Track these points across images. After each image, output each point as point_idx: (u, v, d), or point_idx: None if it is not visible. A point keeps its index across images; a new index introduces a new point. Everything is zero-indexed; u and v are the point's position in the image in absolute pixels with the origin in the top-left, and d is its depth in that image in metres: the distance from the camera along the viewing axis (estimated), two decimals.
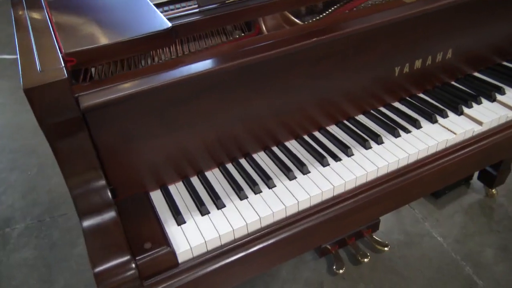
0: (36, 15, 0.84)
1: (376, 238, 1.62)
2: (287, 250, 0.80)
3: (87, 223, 0.71)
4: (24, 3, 0.91)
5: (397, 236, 1.69)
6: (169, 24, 0.77)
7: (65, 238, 1.79)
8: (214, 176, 0.87)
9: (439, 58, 0.99)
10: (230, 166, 0.88)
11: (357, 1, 1.03)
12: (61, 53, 0.71)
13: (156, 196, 0.83)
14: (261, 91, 0.82)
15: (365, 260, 1.56)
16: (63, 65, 0.67)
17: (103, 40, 0.74)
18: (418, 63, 0.98)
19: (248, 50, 0.75)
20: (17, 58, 0.72)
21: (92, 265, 0.65)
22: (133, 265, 0.66)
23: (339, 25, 0.82)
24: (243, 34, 1.00)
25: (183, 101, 0.76)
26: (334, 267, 1.55)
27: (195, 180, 0.86)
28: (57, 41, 0.74)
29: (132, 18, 0.82)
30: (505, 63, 1.14)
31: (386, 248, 1.60)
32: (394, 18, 0.85)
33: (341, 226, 0.83)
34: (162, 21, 0.78)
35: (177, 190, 0.84)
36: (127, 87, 0.68)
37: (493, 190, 1.81)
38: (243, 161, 0.89)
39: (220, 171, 0.88)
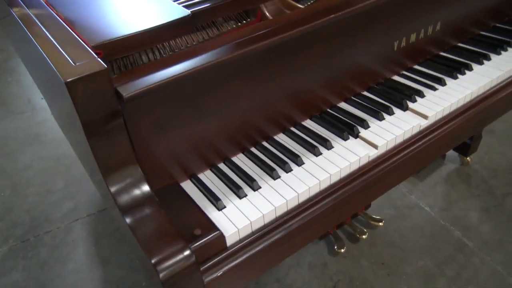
0: (40, 13, 0.81)
1: (370, 215, 1.68)
2: (325, 222, 0.82)
3: (131, 218, 0.69)
4: (22, 3, 0.87)
5: (388, 211, 1.76)
6: (188, 11, 0.77)
7: (54, 255, 1.71)
8: (241, 160, 0.87)
9: (430, 30, 1.06)
10: (254, 150, 0.89)
11: None
12: (87, 46, 0.69)
13: (188, 186, 0.82)
14: (282, 71, 0.84)
15: (363, 236, 1.62)
16: (96, 57, 0.65)
17: (125, 31, 0.73)
18: (413, 37, 1.04)
19: (273, 31, 0.76)
20: (40, 54, 0.69)
21: (150, 257, 0.64)
22: (190, 251, 0.66)
23: (349, 2, 0.85)
24: (244, 22, 1.01)
25: (212, 86, 0.76)
26: (335, 247, 1.59)
27: (223, 167, 0.86)
28: (77, 35, 0.72)
29: (146, 9, 0.81)
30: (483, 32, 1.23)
31: (380, 223, 1.67)
32: None
33: (371, 194, 0.87)
34: (179, 9, 0.78)
35: (208, 178, 0.84)
36: (166, 74, 0.67)
37: (467, 158, 1.92)
38: (266, 144, 0.90)
39: (245, 155, 0.88)
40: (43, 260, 1.69)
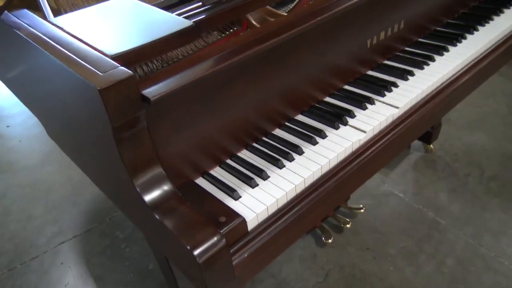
0: (50, 32, 0.86)
1: (351, 206, 1.80)
2: (330, 201, 0.91)
3: (161, 213, 0.75)
4: (24, 23, 0.91)
5: (367, 201, 1.88)
6: (191, 22, 0.85)
7: (45, 280, 1.70)
8: (246, 156, 0.95)
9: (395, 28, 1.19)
10: (257, 145, 0.97)
11: None
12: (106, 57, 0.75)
13: (203, 182, 0.89)
14: (276, 71, 0.93)
15: (347, 226, 1.73)
16: (120, 65, 0.71)
17: (137, 42, 0.79)
18: (382, 35, 1.16)
19: (273, 33, 0.86)
20: (62, 70, 0.74)
21: (187, 244, 0.70)
22: (221, 235, 0.72)
23: (329, 6, 0.96)
24: (231, 31, 1.10)
25: (219, 87, 0.84)
26: (323, 238, 1.69)
27: (231, 162, 0.93)
28: (93, 49, 0.77)
29: (149, 21, 0.88)
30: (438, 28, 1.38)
31: (362, 210, 1.79)
32: None
33: (364, 174, 0.97)
34: (182, 20, 0.86)
35: (219, 173, 0.91)
36: (186, 77, 0.74)
37: (430, 146, 2.09)
38: (266, 139, 0.98)
39: (249, 150, 0.96)
40: (34, 286, 1.67)
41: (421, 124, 1.08)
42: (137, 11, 0.94)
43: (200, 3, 0.97)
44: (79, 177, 2.20)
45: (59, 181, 2.19)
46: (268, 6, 1.10)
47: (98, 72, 0.70)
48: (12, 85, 1.25)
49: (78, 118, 0.84)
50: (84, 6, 1.15)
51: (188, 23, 0.84)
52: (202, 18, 0.91)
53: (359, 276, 1.59)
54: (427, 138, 2.06)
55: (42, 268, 1.75)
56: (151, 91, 0.72)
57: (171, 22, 0.86)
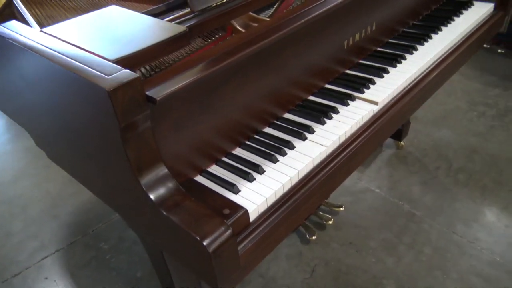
0: (47, 40, 0.88)
1: (331, 203, 1.87)
2: (321, 192, 0.97)
3: (168, 209, 0.78)
4: (18, 33, 0.93)
5: (345, 198, 1.96)
6: (185, 27, 0.89)
7: None
8: (240, 153, 0.99)
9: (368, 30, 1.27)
10: (249, 142, 1.02)
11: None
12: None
13: (202, 179, 0.93)
14: (265, 72, 0.99)
15: (330, 222, 1.79)
16: (122, 68, 0.74)
17: (136, 46, 0.83)
18: (357, 36, 1.24)
19: (263, 34, 0.91)
20: (64, 73, 0.77)
21: (196, 235, 0.74)
22: (228, 225, 0.76)
23: (310, 10, 1.03)
24: (217, 36, 1.15)
25: (217, 87, 0.89)
26: (307, 235, 1.75)
27: (227, 160, 0.97)
28: (93, 54, 0.80)
29: (144, 28, 0.91)
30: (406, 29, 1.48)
31: (341, 208, 1.86)
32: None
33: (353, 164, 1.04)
34: (176, 26, 0.90)
35: (217, 171, 0.95)
36: (188, 76, 0.78)
37: (401, 143, 2.20)
38: (258, 136, 1.03)
39: (242, 148, 1.01)
40: None
41: (398, 117, 1.16)
42: (128, 19, 0.97)
43: (185, 11, 1.01)
44: (58, 190, 2.17)
45: (37, 195, 2.16)
46: (250, 12, 1.16)
47: (104, 75, 0.73)
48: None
49: (79, 123, 0.86)
50: (62, 18, 1.17)
51: (182, 28, 0.88)
52: (194, 23, 0.95)
53: (344, 270, 1.66)
54: (398, 135, 2.17)
55: (25, 284, 1.71)
56: (156, 92, 0.75)
57: (166, 27, 0.90)
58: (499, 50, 2.89)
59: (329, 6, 1.05)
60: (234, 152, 1.00)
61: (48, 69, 0.83)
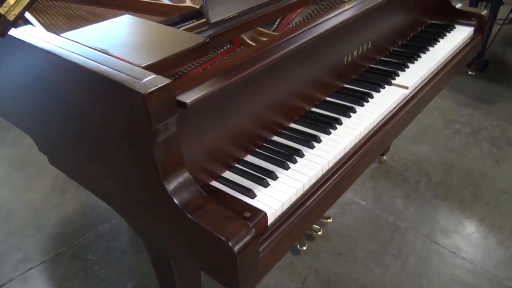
0: (66, 44, 0.89)
1: None
2: (330, 197, 1.01)
3: (192, 211, 0.80)
4: (38, 38, 0.93)
5: (332, 210, 2.02)
6: (206, 37, 0.93)
7: None
8: (252, 160, 1.03)
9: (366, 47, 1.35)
10: (260, 150, 1.05)
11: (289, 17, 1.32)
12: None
13: (218, 184, 0.95)
14: (276, 82, 1.04)
15: (319, 233, 1.84)
16: (153, 74, 0.77)
17: (161, 53, 0.86)
18: (355, 53, 1.31)
19: (283, 45, 0.96)
20: (97, 78, 0.79)
21: (222, 236, 0.76)
22: (251, 226, 0.79)
23: (323, 23, 1.09)
24: (225, 48, 1.19)
25: (235, 95, 0.93)
26: (298, 246, 1.78)
27: (240, 166, 1.01)
28: (123, 60, 0.83)
29: (164, 37, 0.94)
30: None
31: (329, 220, 1.91)
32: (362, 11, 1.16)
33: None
34: (196, 35, 0.94)
35: (231, 177, 0.98)
36: (215, 83, 0.82)
37: (383, 157, 2.29)
38: (267, 145, 1.07)
39: (254, 155, 1.04)
40: None
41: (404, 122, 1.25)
42: (146, 28, 1.00)
43: (195, 23, 1.06)
44: (41, 200, 2.12)
45: (18, 206, 2.10)
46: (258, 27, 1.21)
47: (138, 80, 0.75)
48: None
49: (102, 127, 0.87)
50: (68, 27, 1.19)
51: (203, 38, 0.92)
52: (212, 34, 0.99)
53: (334, 279, 1.70)
54: None
55: None
56: (185, 96, 0.78)
57: (186, 37, 0.94)
58: (469, 72, 3.07)
59: (338, 22, 1.12)
60: (246, 158, 1.03)
61: (72, 74, 0.85)
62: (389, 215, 1.99)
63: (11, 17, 0.94)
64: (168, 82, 0.74)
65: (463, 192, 2.10)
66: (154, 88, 0.72)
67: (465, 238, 1.85)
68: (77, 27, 1.18)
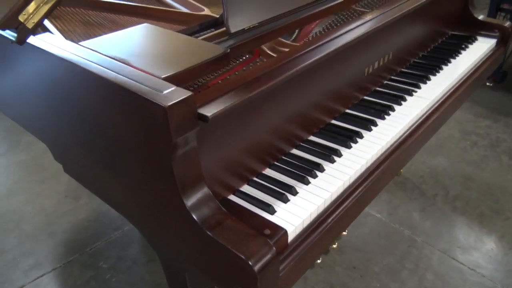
0: (87, 54, 0.88)
1: None
2: (352, 213, 0.98)
3: (211, 228, 0.77)
4: (58, 47, 0.92)
5: None
6: (227, 48, 0.91)
7: None
8: (270, 174, 1.00)
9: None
10: (279, 163, 1.03)
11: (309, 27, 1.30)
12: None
13: (236, 199, 0.93)
14: (298, 93, 1.01)
15: (334, 246, 1.79)
16: (174, 86, 0.75)
17: (182, 64, 0.84)
18: (376, 64, 1.28)
19: (301, 58, 0.94)
20: (116, 89, 0.77)
21: (242, 254, 0.73)
22: (272, 245, 0.76)
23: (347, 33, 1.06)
24: (244, 58, 1.16)
25: (255, 107, 0.90)
26: None
27: (259, 180, 0.98)
28: (140, 70, 0.81)
29: (184, 47, 0.92)
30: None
31: (345, 232, 1.87)
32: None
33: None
34: (218, 46, 0.92)
35: (249, 191, 0.95)
36: (236, 96, 0.79)
37: (400, 170, 2.24)
38: (286, 158, 1.05)
39: (272, 169, 1.01)
40: None
41: (416, 145, 1.21)
42: (166, 37, 0.98)
43: (213, 33, 1.04)
44: (53, 206, 2.12)
45: (31, 211, 2.09)
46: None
47: (158, 92, 0.73)
48: (14, 113, 1.23)
49: (121, 139, 0.85)
50: (87, 34, 1.18)
51: (224, 48, 0.90)
52: (232, 44, 0.97)
53: None
54: None
55: None
56: (206, 109, 0.76)
57: (207, 47, 0.92)
58: (487, 84, 3.01)
59: (360, 33, 1.09)
60: (264, 172, 1.01)
61: (90, 84, 0.83)
62: (405, 228, 1.95)
63: (30, 25, 0.93)
64: (189, 94, 0.72)
65: (482, 207, 2.04)
66: (175, 101, 0.70)
67: (485, 255, 1.80)
68: (94, 34, 1.18)
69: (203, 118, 0.75)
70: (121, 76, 0.78)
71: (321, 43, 1.04)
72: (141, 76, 0.79)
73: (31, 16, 0.92)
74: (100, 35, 1.00)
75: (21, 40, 0.93)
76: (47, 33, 1.01)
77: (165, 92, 0.73)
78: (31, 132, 1.24)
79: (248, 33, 1.05)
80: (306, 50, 0.99)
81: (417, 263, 1.78)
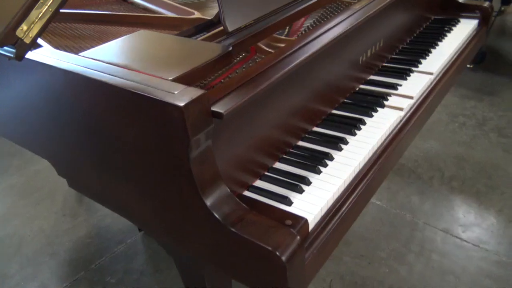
0: (89, 64, 0.87)
1: None
2: (365, 197, 1.00)
3: (233, 224, 0.77)
4: (58, 59, 0.91)
5: None
6: (230, 46, 0.91)
7: None
8: (281, 167, 1.01)
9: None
10: (287, 157, 1.03)
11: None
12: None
13: (251, 195, 0.93)
14: (302, 85, 1.02)
15: None
16: (185, 86, 0.75)
17: (187, 65, 0.84)
18: (369, 52, 1.31)
19: (304, 49, 0.95)
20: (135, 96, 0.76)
21: (268, 246, 0.74)
22: (295, 235, 0.77)
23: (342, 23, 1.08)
24: (241, 57, 1.17)
25: (263, 102, 0.91)
26: None
27: (271, 174, 0.98)
28: (148, 74, 0.81)
29: (186, 48, 0.93)
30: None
31: None
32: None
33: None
34: (221, 45, 0.92)
35: (263, 186, 0.95)
36: (248, 90, 0.80)
37: None
38: (294, 151, 1.05)
39: (282, 162, 1.02)
40: None
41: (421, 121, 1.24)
42: (164, 41, 0.98)
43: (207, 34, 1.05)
44: (51, 227, 2.08)
45: (29, 234, 2.05)
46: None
47: (171, 93, 0.73)
48: (12, 132, 1.21)
49: (132, 145, 0.85)
50: (81, 47, 1.17)
51: (227, 47, 0.91)
52: (233, 42, 0.97)
53: (360, 282, 1.67)
54: None
55: None
56: (220, 106, 0.76)
57: (209, 47, 0.92)
58: (468, 65, 3.08)
59: (357, 21, 1.12)
60: (275, 166, 1.01)
61: (96, 93, 0.83)
62: (406, 213, 1.98)
63: (27, 40, 0.92)
64: (202, 93, 0.73)
65: (477, 184, 2.09)
66: (190, 100, 0.70)
67: (486, 230, 1.84)
68: (87, 47, 1.17)
69: (218, 115, 0.76)
70: (130, 82, 0.78)
71: (320, 33, 1.05)
72: (150, 80, 0.78)
73: (28, 30, 0.91)
74: (93, 47, 0.99)
75: (20, 56, 0.92)
76: (44, 47, 1.00)
77: (178, 92, 0.73)
78: (31, 149, 1.22)
79: (245, 31, 1.05)
80: (307, 41, 1.01)
81: (422, 245, 1.80)
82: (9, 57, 0.94)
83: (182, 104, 0.70)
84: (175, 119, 0.71)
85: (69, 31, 1.35)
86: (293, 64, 0.91)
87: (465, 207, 1.97)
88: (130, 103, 0.78)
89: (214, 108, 0.76)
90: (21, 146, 1.26)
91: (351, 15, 1.17)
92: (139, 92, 0.75)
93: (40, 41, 1.10)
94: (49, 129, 1.06)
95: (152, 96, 0.73)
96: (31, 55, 0.94)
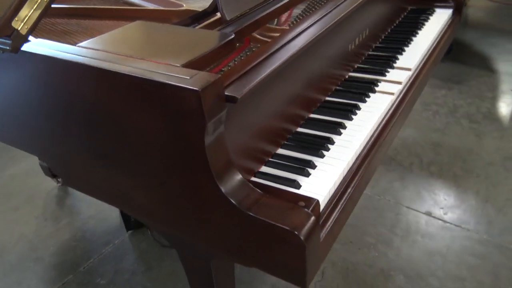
0: (93, 54, 0.86)
1: None
2: (368, 175, 1.03)
3: (250, 208, 0.78)
4: (59, 51, 0.89)
5: None
6: (232, 34, 0.92)
7: None
8: (284, 153, 1.02)
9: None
10: (289, 142, 1.05)
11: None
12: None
13: (259, 180, 0.94)
14: (300, 71, 1.04)
15: None
16: (198, 71, 0.75)
17: (195, 52, 0.84)
18: (357, 40, 1.34)
19: (304, 34, 0.97)
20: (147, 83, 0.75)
21: (286, 226, 0.75)
22: (311, 215, 0.79)
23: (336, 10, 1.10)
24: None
25: (266, 88, 0.92)
26: None
27: (275, 160, 1.00)
28: (153, 61, 0.80)
29: (190, 37, 0.93)
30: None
31: None
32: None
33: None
34: (224, 33, 0.93)
35: (269, 171, 0.97)
36: (258, 73, 0.81)
37: None
38: (295, 136, 1.07)
39: (284, 148, 1.04)
40: None
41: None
42: (165, 30, 0.98)
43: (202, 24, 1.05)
44: (33, 231, 2.01)
45: (10, 240, 1.98)
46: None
47: (185, 78, 0.73)
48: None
49: (141, 136, 0.84)
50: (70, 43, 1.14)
51: (230, 34, 0.91)
52: (233, 30, 0.98)
53: (352, 268, 1.71)
54: None
55: None
56: (233, 90, 0.77)
57: (211, 34, 0.93)
58: None
59: (352, 6, 1.15)
60: (278, 152, 1.03)
61: (103, 83, 0.81)
62: (390, 198, 2.04)
63: (24, 31, 0.89)
64: (218, 77, 0.73)
65: (454, 169, 2.18)
66: (207, 84, 0.71)
67: (466, 211, 1.92)
68: (76, 42, 1.14)
69: (232, 99, 0.76)
70: (138, 69, 0.77)
71: (317, 19, 1.07)
72: (160, 67, 0.78)
73: (24, 21, 0.88)
74: (82, 41, 0.97)
75: (16, 48, 0.89)
76: (40, 39, 0.97)
77: (192, 77, 0.73)
78: (21, 148, 1.18)
79: (241, 20, 1.06)
80: (305, 28, 1.03)
81: (407, 229, 1.87)
82: (4, 50, 0.91)
83: (199, 88, 0.70)
84: (191, 104, 0.71)
85: (53, 26, 1.32)
86: (297, 48, 0.92)
87: (445, 190, 2.05)
88: (140, 91, 0.77)
89: (227, 93, 0.76)
90: (10, 145, 1.22)
91: (340, 3, 1.20)
92: (149, 78, 0.74)
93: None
94: (44, 126, 1.03)
95: (166, 82, 0.73)
96: (28, 46, 0.91)
